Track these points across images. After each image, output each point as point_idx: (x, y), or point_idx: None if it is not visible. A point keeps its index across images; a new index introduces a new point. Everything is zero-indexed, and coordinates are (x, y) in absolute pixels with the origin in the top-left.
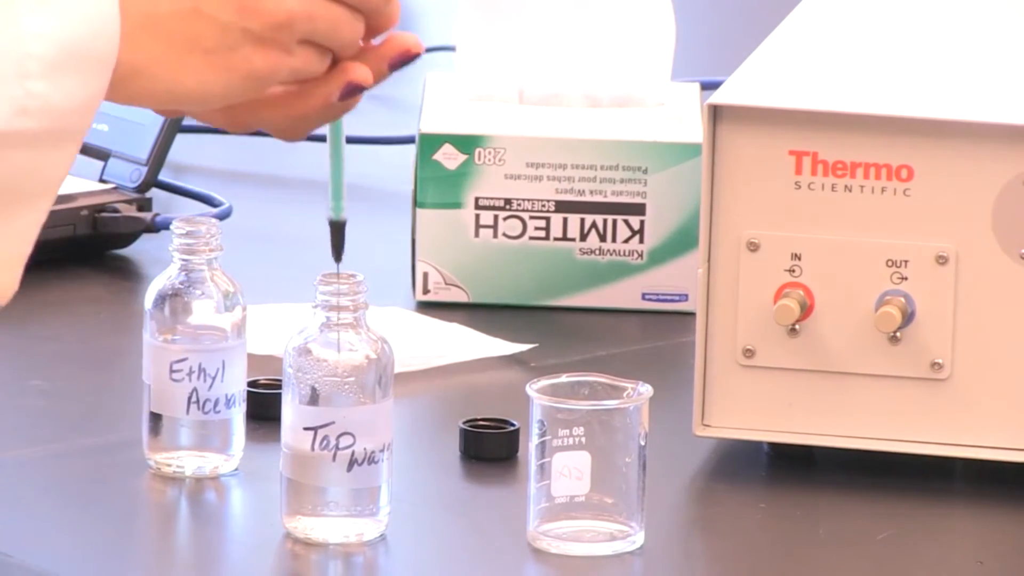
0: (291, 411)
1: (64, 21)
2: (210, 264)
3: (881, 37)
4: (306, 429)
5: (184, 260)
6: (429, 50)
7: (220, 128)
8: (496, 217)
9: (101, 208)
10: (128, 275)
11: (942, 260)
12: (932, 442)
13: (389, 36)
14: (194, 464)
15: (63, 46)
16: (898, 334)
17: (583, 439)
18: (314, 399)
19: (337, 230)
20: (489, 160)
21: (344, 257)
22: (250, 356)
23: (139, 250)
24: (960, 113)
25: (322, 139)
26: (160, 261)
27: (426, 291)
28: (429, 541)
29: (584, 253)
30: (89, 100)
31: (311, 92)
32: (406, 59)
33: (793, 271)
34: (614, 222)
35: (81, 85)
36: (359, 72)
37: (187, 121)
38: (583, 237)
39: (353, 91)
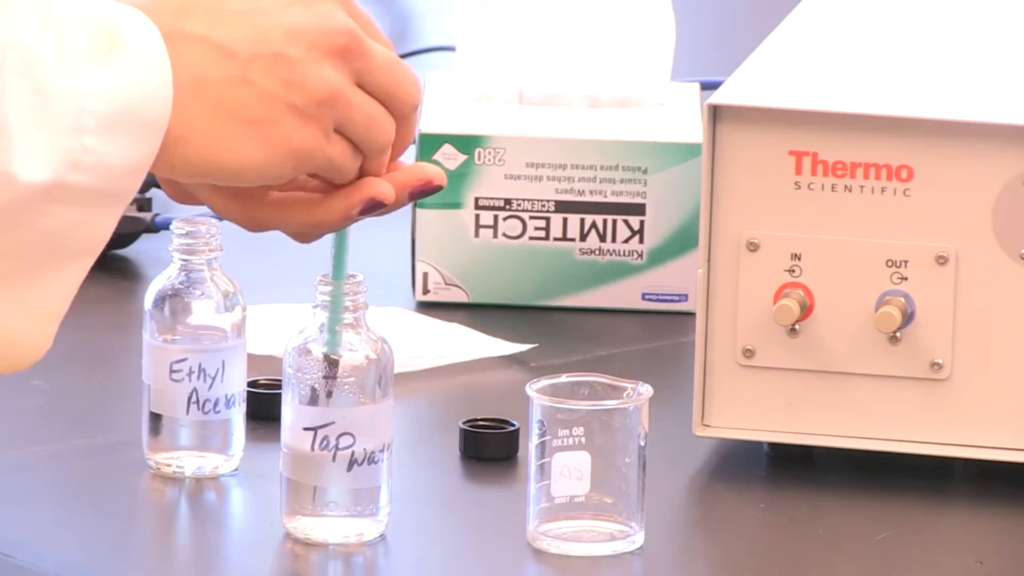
0: (291, 411)
1: (120, 82)
2: (210, 264)
3: (881, 37)
4: (306, 429)
5: (184, 260)
6: (429, 50)
7: (240, 225)
8: (496, 217)
9: None
10: (128, 275)
11: (942, 260)
12: (932, 442)
13: (414, 164)
14: (194, 464)
15: (119, 106)
16: (898, 334)
17: (583, 439)
18: (314, 399)
19: (332, 365)
20: (489, 160)
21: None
22: (250, 356)
23: (139, 250)
24: (960, 113)
25: None
26: (160, 261)
27: (426, 291)
28: (429, 541)
29: (584, 253)
30: (139, 163)
31: (332, 202)
32: (427, 190)
33: (793, 271)
34: (614, 222)
35: (133, 147)
36: (381, 188)
37: None
38: (583, 237)
39: (374, 207)
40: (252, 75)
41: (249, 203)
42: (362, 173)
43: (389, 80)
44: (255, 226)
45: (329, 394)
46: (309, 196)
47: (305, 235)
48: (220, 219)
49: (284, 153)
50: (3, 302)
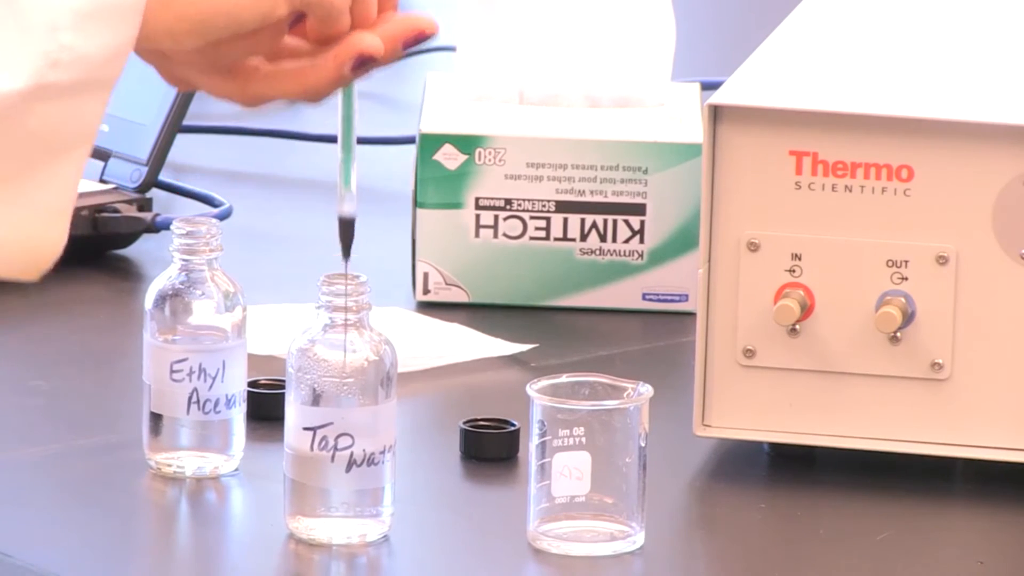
0: (293, 411)
1: None
2: (210, 264)
3: (881, 37)
4: (306, 429)
5: (184, 260)
6: (429, 50)
7: (236, 102)
8: (496, 217)
9: (101, 208)
10: (128, 275)
11: (942, 260)
12: (932, 442)
13: (404, 15)
14: (194, 464)
15: None
16: (898, 334)
17: (583, 439)
18: (315, 399)
19: (347, 227)
20: (489, 160)
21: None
22: (250, 356)
23: (139, 250)
24: (960, 113)
25: (325, 139)
26: (160, 261)
27: (426, 291)
28: (429, 541)
29: (584, 253)
30: (120, 48)
31: (323, 63)
32: (420, 39)
33: (793, 271)
34: (614, 222)
35: (111, 34)
36: (370, 42)
37: (187, 121)
38: (583, 237)
39: (364, 62)
40: None
41: (242, 79)
42: (353, 24)
43: None
44: (251, 100)
45: (329, 394)
46: (299, 63)
47: (306, 99)
48: (221, 219)
49: None
50: (7, 205)
